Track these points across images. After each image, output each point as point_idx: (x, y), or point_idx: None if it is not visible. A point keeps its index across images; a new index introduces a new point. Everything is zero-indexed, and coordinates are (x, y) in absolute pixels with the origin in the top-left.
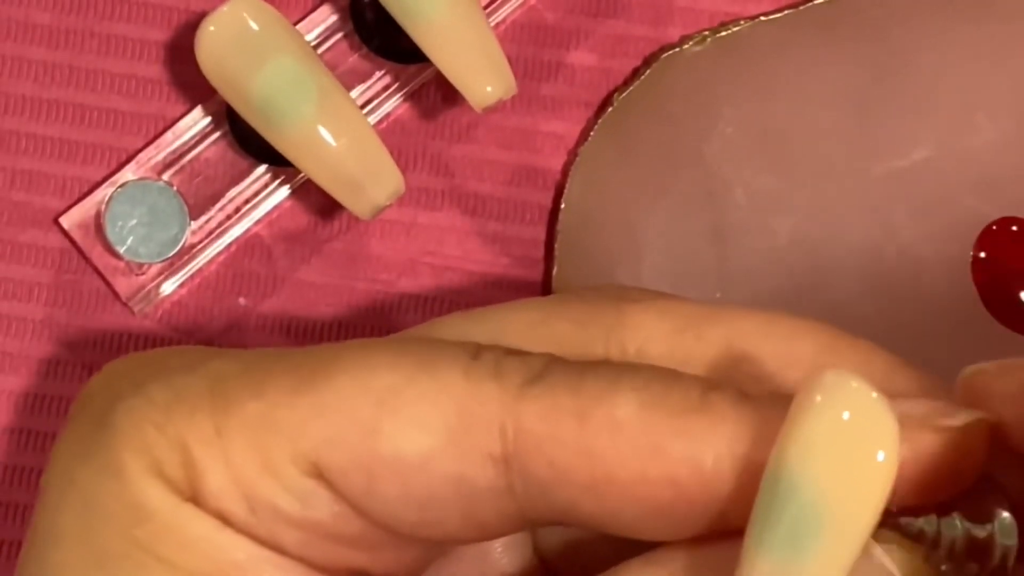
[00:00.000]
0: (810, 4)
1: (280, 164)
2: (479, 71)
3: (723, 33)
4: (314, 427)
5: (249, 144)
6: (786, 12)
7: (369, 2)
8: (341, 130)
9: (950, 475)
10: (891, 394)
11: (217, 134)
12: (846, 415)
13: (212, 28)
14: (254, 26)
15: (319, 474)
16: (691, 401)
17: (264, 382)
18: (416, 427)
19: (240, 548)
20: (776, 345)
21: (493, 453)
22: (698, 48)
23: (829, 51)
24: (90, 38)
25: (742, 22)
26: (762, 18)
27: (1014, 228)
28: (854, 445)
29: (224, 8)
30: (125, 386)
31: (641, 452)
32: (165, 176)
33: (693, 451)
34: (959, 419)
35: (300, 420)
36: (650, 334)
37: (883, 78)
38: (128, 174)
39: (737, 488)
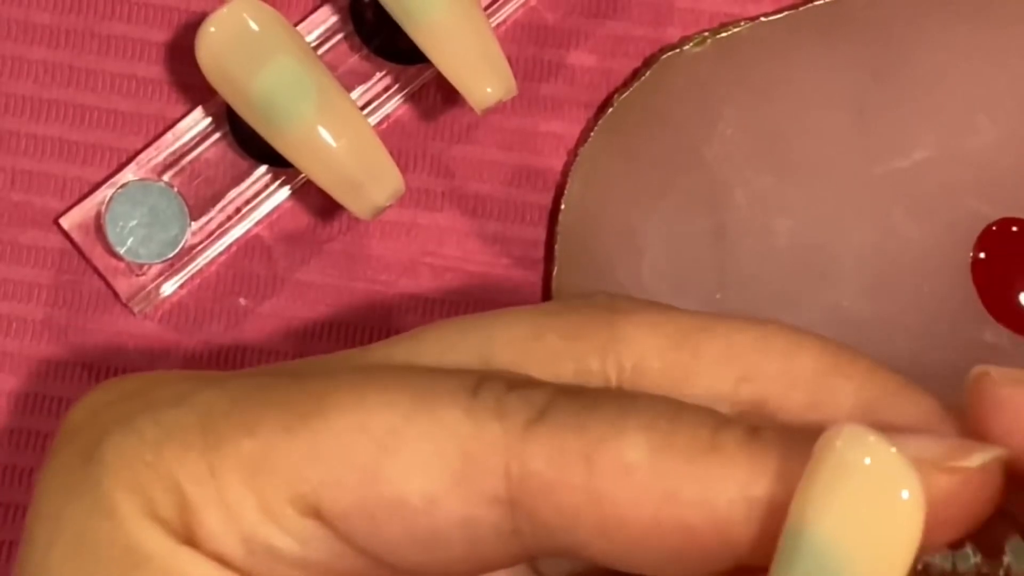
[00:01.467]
0: (810, 5)
1: (280, 165)
2: (479, 72)
3: (723, 34)
4: (312, 470)
5: (249, 145)
6: (786, 13)
7: (369, 3)
8: (341, 130)
9: (968, 515)
10: (893, 418)
11: (217, 135)
12: (866, 472)
13: (212, 29)
14: (254, 27)
15: (318, 515)
16: (701, 441)
17: (257, 419)
18: (418, 470)
19: None
20: (775, 363)
21: (498, 495)
22: (698, 49)
23: (829, 52)
24: (90, 38)
25: (742, 23)
26: (762, 19)
27: (1014, 229)
28: (877, 503)
29: (224, 9)
30: (112, 420)
31: (652, 497)
32: (165, 177)
33: (706, 496)
34: (975, 459)
35: (297, 462)
36: (645, 350)
37: (883, 79)
38: (128, 175)
39: (752, 531)
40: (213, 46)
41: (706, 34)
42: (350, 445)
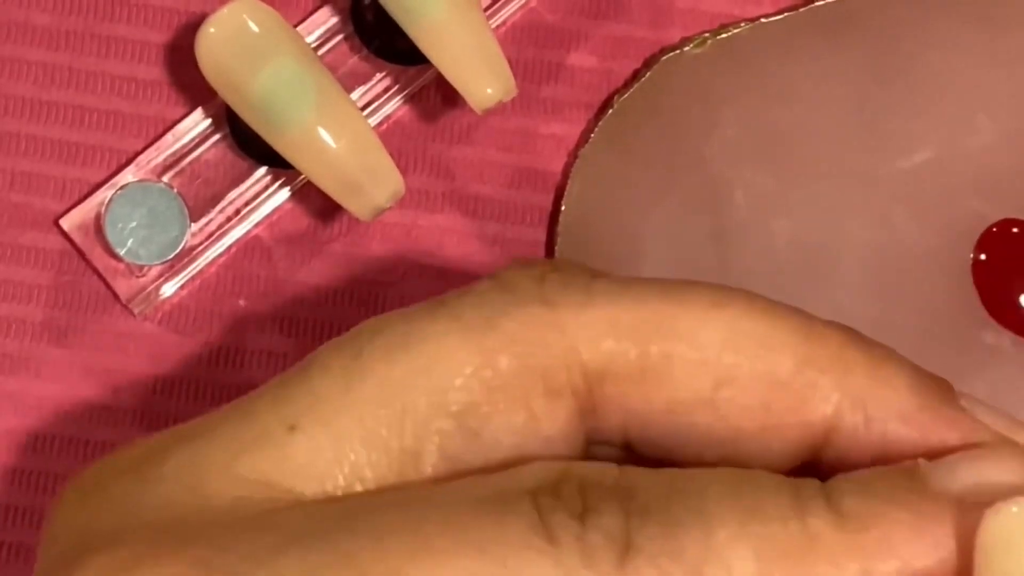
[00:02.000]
0: (811, 6)
1: (280, 166)
2: (479, 73)
3: (724, 35)
4: None
5: (249, 146)
6: (787, 14)
7: (369, 3)
8: (341, 131)
9: None
10: (878, 410)
11: (217, 136)
12: None
13: (212, 30)
14: (254, 28)
15: None
16: (794, 537)
17: None
18: None
19: None
20: (753, 364)
21: None
22: (699, 50)
23: (830, 53)
24: (90, 40)
25: (743, 24)
26: (763, 20)
27: (1015, 230)
28: None
29: (224, 10)
30: (94, 529)
31: None
32: (165, 178)
33: None
34: None
35: None
36: (608, 354)
37: (884, 80)
38: (128, 176)
39: None
40: (213, 47)
41: (707, 35)
42: None
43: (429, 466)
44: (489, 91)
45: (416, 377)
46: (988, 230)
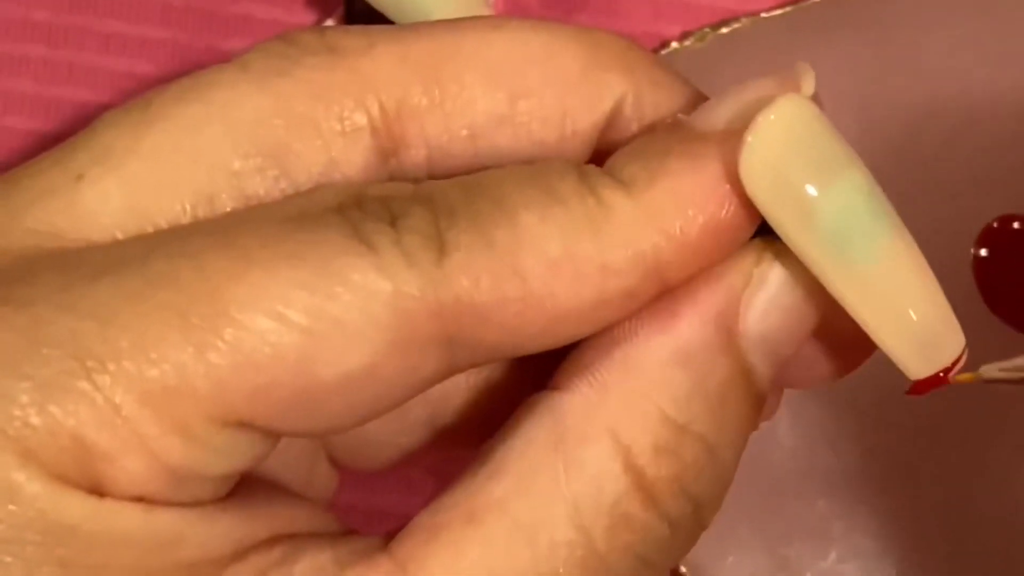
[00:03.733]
0: (811, 1)
1: None
2: None
3: (724, 30)
4: (238, 380)
5: None
6: (787, 9)
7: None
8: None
9: None
10: (655, 110)
11: None
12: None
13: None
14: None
15: (250, 423)
16: (592, 211)
17: (156, 339)
18: (355, 346)
19: (172, 525)
20: (543, 70)
21: (435, 338)
22: (699, 45)
23: (830, 48)
24: (90, 36)
25: (743, 19)
26: (763, 15)
27: (1015, 226)
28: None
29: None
30: None
31: (591, 281)
32: None
33: (628, 259)
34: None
35: (217, 379)
36: (403, 88)
37: (884, 75)
38: None
39: (684, 255)
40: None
41: (707, 30)
42: (275, 343)
43: (225, 209)
44: None
45: (209, 121)
46: (988, 226)
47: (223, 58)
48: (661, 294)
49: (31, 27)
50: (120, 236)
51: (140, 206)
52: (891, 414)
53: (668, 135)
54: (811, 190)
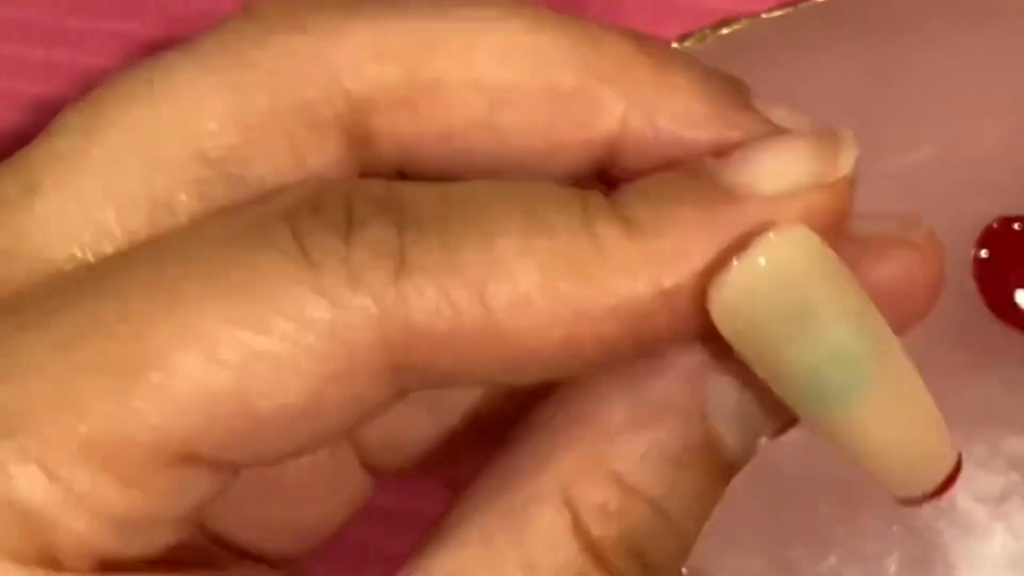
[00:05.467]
0: (811, 2)
1: None
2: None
3: (723, 31)
4: (174, 423)
5: None
6: (787, 10)
7: None
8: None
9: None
10: (662, 120)
11: None
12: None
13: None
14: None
15: (191, 459)
16: (582, 249)
17: (80, 395)
18: (291, 380)
19: None
20: (531, 80)
21: (382, 366)
22: (698, 46)
23: (830, 50)
24: (90, 36)
25: (743, 20)
26: (763, 16)
27: (1016, 227)
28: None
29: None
30: None
31: (561, 321)
32: None
33: (608, 308)
34: (843, 165)
35: (153, 424)
36: (374, 80)
37: (885, 77)
38: None
39: (672, 316)
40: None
41: (706, 31)
42: (204, 383)
43: (185, 216)
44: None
45: (165, 124)
46: (989, 227)
47: None
48: (637, 349)
49: (30, 28)
50: (78, 252)
51: (96, 218)
52: None
53: (685, 179)
54: (782, 346)
